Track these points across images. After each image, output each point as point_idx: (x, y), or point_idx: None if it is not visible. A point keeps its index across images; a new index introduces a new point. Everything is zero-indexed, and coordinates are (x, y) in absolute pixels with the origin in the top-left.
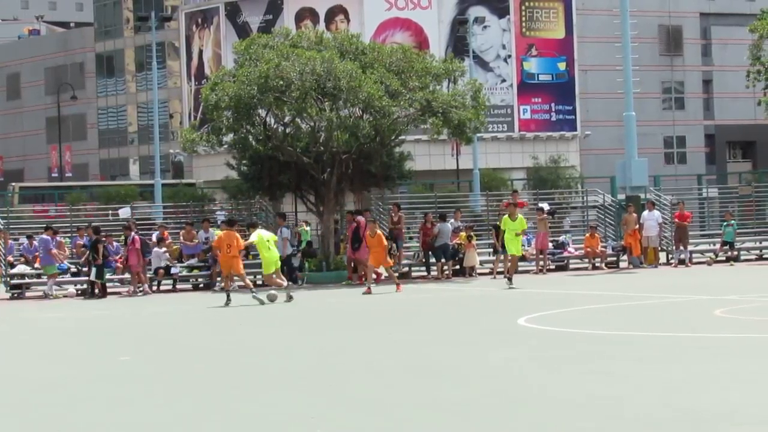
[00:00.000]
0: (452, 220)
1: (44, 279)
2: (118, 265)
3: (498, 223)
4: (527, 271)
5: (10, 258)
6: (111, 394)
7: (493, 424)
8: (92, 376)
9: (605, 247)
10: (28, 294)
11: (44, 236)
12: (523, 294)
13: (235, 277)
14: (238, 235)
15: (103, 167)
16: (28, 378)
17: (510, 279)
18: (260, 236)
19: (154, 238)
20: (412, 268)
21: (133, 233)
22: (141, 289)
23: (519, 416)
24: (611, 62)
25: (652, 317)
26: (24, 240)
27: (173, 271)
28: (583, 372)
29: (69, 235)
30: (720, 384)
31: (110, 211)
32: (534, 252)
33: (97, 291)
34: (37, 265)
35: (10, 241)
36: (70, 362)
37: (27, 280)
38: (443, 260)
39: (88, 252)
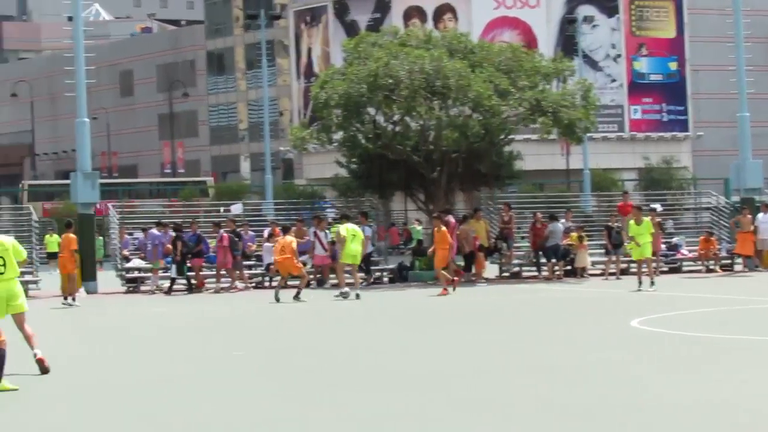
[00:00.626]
0: (563, 221)
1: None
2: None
3: (609, 223)
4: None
5: (126, 252)
6: (231, 388)
7: (605, 426)
8: (210, 371)
9: (719, 249)
10: (143, 288)
11: (154, 231)
12: (636, 296)
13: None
14: (293, 238)
15: (215, 164)
16: (146, 376)
17: (652, 282)
18: (347, 229)
19: (265, 234)
20: (523, 268)
21: (221, 231)
22: (230, 286)
23: (630, 419)
24: (724, 62)
25: (763, 321)
26: (140, 234)
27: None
28: (696, 376)
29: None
30: None
31: (222, 208)
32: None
33: (185, 286)
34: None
35: (126, 236)
36: (186, 358)
37: (142, 274)
38: (554, 260)
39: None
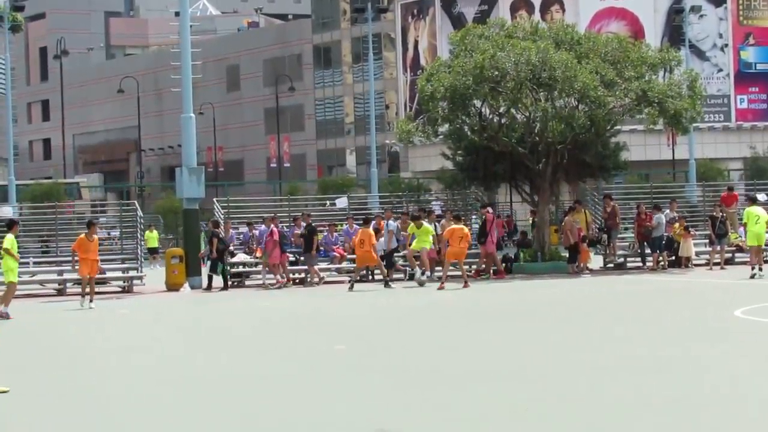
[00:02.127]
0: (668, 211)
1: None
2: (336, 254)
3: (713, 213)
4: (744, 263)
5: (231, 247)
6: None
7: (707, 421)
8: (314, 366)
9: None
10: (247, 282)
11: (264, 227)
12: (740, 286)
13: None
14: (372, 232)
15: (321, 157)
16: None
17: (758, 268)
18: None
19: (370, 228)
20: (627, 259)
21: (272, 226)
22: (275, 281)
23: (733, 412)
24: None
25: None
26: (244, 229)
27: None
28: None
29: (287, 224)
30: None
31: (327, 201)
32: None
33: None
34: (258, 254)
35: (231, 231)
36: (288, 353)
37: (246, 269)
38: (658, 251)
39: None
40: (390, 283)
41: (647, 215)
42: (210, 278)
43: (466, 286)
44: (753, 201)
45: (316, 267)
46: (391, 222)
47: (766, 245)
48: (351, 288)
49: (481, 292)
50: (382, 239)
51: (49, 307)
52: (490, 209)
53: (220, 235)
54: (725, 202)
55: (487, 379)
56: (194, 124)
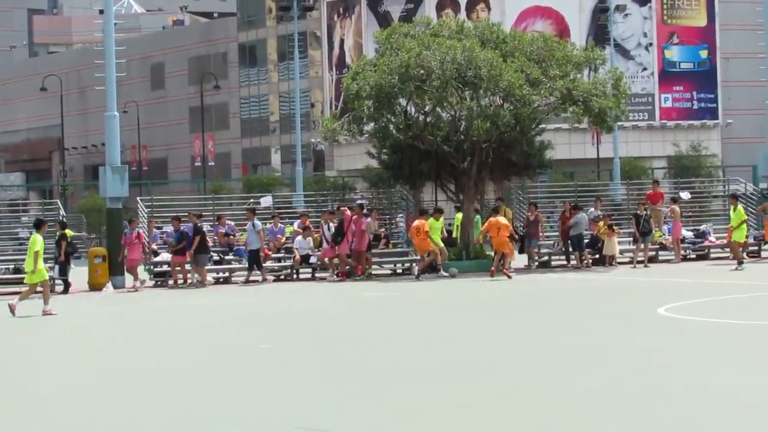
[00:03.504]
0: (592, 209)
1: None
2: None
3: (637, 211)
4: (667, 261)
5: (155, 246)
6: (251, 382)
7: (633, 413)
8: (238, 363)
9: (747, 236)
10: (171, 282)
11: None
12: (663, 283)
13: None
14: (424, 221)
15: (245, 156)
16: (174, 367)
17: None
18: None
19: (296, 226)
20: (552, 258)
21: (137, 228)
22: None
23: (659, 405)
24: (754, 50)
25: None
26: (168, 228)
27: (312, 260)
28: (723, 363)
29: (210, 224)
30: None
31: (251, 200)
32: (673, 241)
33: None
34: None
35: (154, 230)
36: (213, 351)
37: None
38: (578, 250)
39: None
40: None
41: (572, 214)
42: (65, 282)
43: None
44: (674, 201)
45: (204, 268)
46: (257, 222)
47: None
48: (418, 277)
49: (401, 289)
50: (300, 237)
51: None
52: (347, 209)
53: (68, 239)
54: (651, 199)
55: (413, 374)
56: (118, 122)
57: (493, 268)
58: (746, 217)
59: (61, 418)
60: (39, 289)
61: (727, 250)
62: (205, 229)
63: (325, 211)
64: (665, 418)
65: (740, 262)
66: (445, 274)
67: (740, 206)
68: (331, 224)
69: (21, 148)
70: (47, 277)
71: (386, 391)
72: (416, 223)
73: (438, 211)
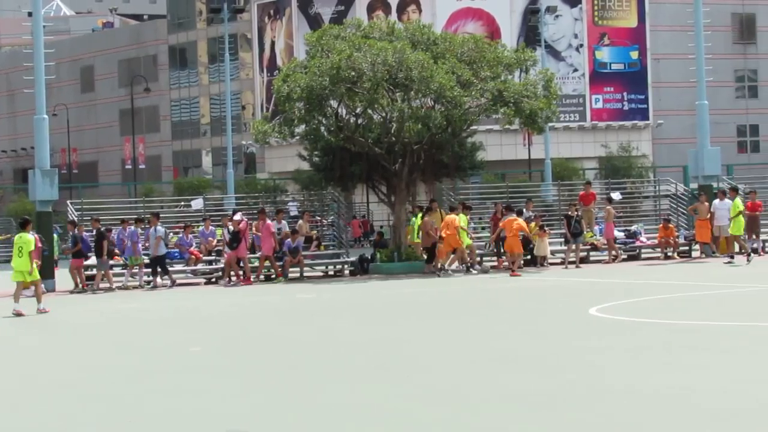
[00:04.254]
0: (524, 210)
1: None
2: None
3: (569, 212)
4: (599, 261)
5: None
6: (182, 384)
7: (568, 414)
8: (164, 367)
9: (678, 236)
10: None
11: (133, 228)
12: (595, 284)
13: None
14: (455, 216)
15: (176, 159)
16: (100, 369)
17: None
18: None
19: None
20: (484, 258)
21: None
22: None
23: (592, 406)
24: (684, 51)
25: (726, 307)
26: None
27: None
28: (654, 362)
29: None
30: None
31: (182, 203)
32: (606, 242)
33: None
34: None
35: (84, 233)
36: (142, 353)
37: (94, 272)
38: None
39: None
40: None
41: (502, 214)
42: None
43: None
44: (609, 201)
45: (110, 272)
46: (159, 228)
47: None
48: (439, 274)
49: (333, 291)
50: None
51: None
52: (240, 216)
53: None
54: (583, 200)
55: (340, 377)
56: (47, 125)
57: (513, 269)
58: (742, 209)
59: None
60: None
61: (658, 250)
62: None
63: (225, 216)
64: (593, 417)
65: (732, 256)
66: (474, 271)
67: (737, 198)
68: (230, 228)
69: None
70: (39, 277)
71: (317, 393)
72: (448, 218)
73: (467, 208)
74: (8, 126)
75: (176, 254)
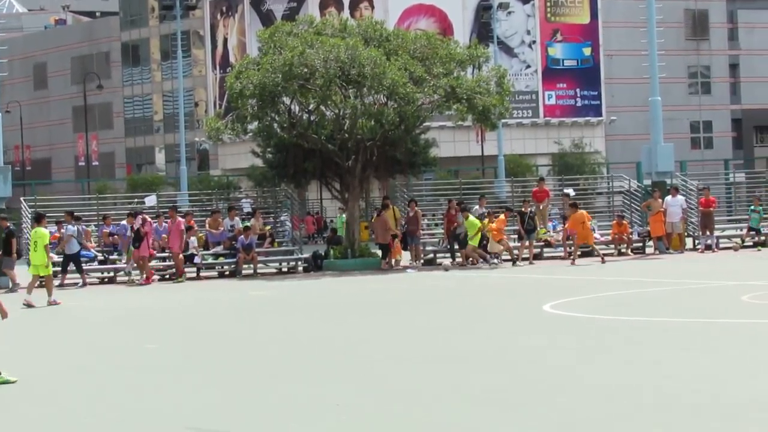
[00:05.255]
0: (476, 207)
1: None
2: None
3: (522, 209)
4: (554, 258)
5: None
6: (138, 382)
7: (520, 410)
8: (121, 364)
9: (631, 233)
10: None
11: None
12: (549, 280)
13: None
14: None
15: (129, 156)
16: (53, 367)
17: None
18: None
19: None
20: (437, 255)
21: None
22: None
23: (544, 402)
24: (637, 47)
25: (678, 303)
26: (53, 228)
27: (196, 260)
28: (607, 358)
29: (95, 223)
30: (748, 371)
31: (136, 199)
32: (561, 238)
33: None
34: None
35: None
36: (96, 351)
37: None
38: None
39: None
40: None
41: (456, 211)
42: None
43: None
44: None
45: (14, 272)
46: (70, 227)
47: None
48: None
49: (287, 288)
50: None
51: None
52: (143, 216)
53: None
54: (536, 197)
55: (293, 374)
56: (1, 122)
57: (572, 258)
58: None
59: None
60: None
61: (612, 246)
62: (90, 228)
63: (129, 214)
64: (549, 416)
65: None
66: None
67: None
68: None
69: None
70: (51, 271)
71: (271, 391)
72: (498, 220)
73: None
74: None
75: (91, 254)
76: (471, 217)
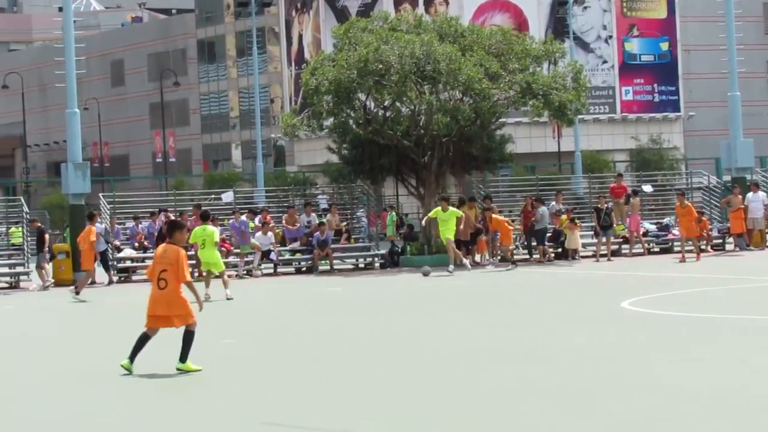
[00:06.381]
0: (553, 203)
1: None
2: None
3: (598, 205)
4: (633, 254)
5: (117, 242)
6: (214, 376)
7: (594, 409)
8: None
9: (711, 229)
10: (134, 277)
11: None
12: (627, 277)
13: None
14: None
15: (206, 152)
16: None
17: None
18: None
19: (257, 221)
20: (514, 252)
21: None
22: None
23: (621, 401)
24: (715, 42)
25: (760, 301)
26: (130, 223)
27: (272, 256)
28: (688, 356)
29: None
30: None
31: (213, 195)
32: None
33: None
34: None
35: (116, 226)
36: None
37: (134, 264)
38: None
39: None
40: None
41: (533, 207)
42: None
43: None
44: (635, 193)
45: (47, 267)
46: (98, 225)
47: None
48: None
49: (363, 284)
50: (260, 233)
51: None
52: (166, 214)
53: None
54: (614, 193)
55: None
56: (79, 119)
57: (682, 253)
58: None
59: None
60: None
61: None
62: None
63: (152, 213)
64: (625, 413)
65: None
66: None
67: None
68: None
69: None
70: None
71: (346, 385)
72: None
73: (444, 199)
74: (41, 120)
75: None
76: (451, 208)
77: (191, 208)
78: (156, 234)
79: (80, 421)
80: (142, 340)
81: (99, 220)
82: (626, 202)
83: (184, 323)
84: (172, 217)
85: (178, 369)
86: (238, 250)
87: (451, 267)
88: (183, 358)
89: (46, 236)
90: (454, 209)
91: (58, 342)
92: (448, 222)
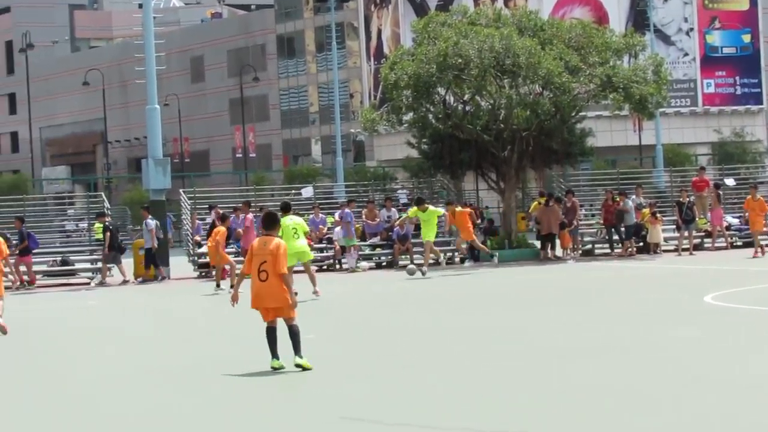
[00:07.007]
0: (634, 197)
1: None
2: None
3: (680, 199)
4: (717, 248)
5: (198, 238)
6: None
7: (675, 406)
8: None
9: None
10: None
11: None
12: (708, 271)
13: None
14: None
15: (286, 147)
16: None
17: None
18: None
19: (336, 216)
20: (595, 246)
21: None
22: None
23: (702, 398)
24: None
25: None
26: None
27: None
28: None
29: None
30: None
31: (293, 191)
32: (719, 228)
33: None
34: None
35: (197, 222)
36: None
37: None
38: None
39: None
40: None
41: (616, 202)
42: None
43: (756, 255)
44: (717, 187)
45: (121, 265)
46: (149, 221)
47: None
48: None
49: (446, 279)
50: (339, 228)
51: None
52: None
53: (111, 228)
54: (696, 186)
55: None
56: (159, 115)
57: (756, 248)
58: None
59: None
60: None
61: None
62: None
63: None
64: (704, 408)
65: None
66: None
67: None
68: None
69: (65, 142)
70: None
71: (425, 380)
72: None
73: (420, 201)
74: (121, 116)
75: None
76: (431, 207)
77: (242, 205)
78: (209, 229)
79: (164, 415)
80: (271, 334)
81: (108, 220)
82: (717, 198)
83: (292, 314)
84: (269, 210)
85: (296, 365)
86: (320, 245)
87: (425, 268)
88: (297, 350)
89: (107, 234)
90: (435, 208)
91: (147, 339)
92: (429, 222)
